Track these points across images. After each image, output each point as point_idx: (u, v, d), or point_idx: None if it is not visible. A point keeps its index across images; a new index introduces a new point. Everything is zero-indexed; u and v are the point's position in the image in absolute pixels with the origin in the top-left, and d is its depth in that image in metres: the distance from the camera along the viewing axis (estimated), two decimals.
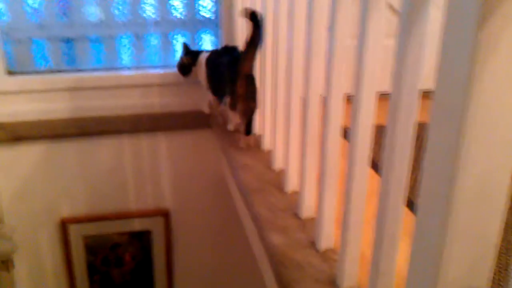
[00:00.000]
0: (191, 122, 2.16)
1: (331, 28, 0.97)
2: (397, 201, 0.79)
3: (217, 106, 2.03)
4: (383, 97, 0.89)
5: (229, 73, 1.81)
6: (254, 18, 1.57)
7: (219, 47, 2.10)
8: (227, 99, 1.84)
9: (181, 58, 2.03)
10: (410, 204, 1.21)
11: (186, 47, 2.03)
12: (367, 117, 0.88)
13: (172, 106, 2.16)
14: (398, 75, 0.71)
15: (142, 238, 2.37)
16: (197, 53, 2.03)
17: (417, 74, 0.70)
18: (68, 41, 2.09)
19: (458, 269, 0.60)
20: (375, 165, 1.41)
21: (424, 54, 0.69)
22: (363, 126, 0.89)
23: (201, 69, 2.01)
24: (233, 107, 1.81)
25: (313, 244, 1.17)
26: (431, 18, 0.69)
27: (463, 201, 0.57)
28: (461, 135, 0.54)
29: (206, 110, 2.14)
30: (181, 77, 2.08)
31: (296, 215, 1.30)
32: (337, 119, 1.04)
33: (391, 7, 0.84)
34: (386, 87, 0.87)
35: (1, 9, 1.98)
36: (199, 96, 2.14)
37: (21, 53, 2.08)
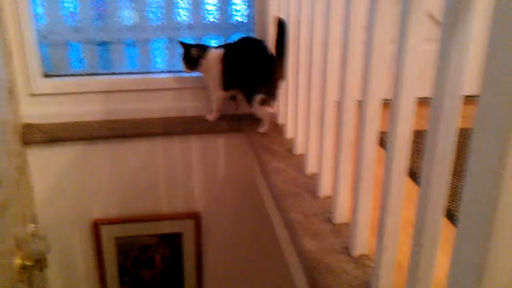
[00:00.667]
0: (223, 125, 2.16)
1: (369, 31, 0.96)
2: (437, 209, 0.77)
3: (222, 102, 2.08)
4: (419, 102, 0.88)
5: (263, 73, 1.84)
6: (281, 26, 1.70)
7: (233, 40, 2.07)
8: (258, 97, 1.86)
9: (190, 50, 2.01)
10: (449, 214, 1.19)
11: (183, 44, 2.02)
12: (406, 123, 0.86)
13: (205, 109, 2.17)
14: (440, 80, 0.70)
15: (172, 240, 2.39)
16: (204, 47, 2.02)
17: (460, 79, 0.68)
18: (103, 44, 2.12)
19: (502, 279, 0.59)
20: (411, 172, 1.39)
21: (467, 59, 0.67)
22: (401, 132, 0.87)
23: (212, 67, 2.00)
24: (265, 103, 1.85)
25: (347, 250, 1.16)
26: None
27: (509, 209, 0.56)
28: (508, 141, 0.53)
29: (211, 117, 2.14)
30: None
31: (330, 220, 1.29)
32: (373, 124, 1.03)
33: (430, 15, 0.83)
34: (422, 92, 0.86)
35: (39, 12, 2.02)
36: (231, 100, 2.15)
37: (57, 55, 2.11)
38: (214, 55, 1.99)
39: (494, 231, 0.57)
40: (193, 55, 2.00)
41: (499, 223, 0.56)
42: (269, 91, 1.87)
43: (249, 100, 1.92)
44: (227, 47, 2.01)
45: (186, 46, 2.01)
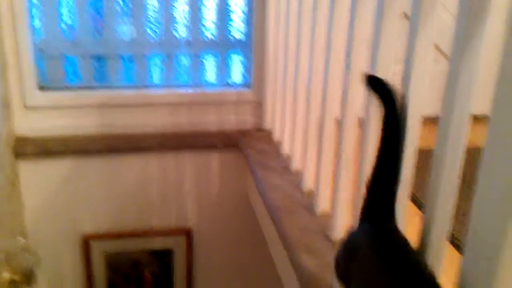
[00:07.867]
0: (218, 141, 2.16)
1: (374, 50, 0.97)
2: (441, 236, 0.78)
3: None
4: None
5: None
6: (378, 87, 0.84)
7: None
8: None
9: None
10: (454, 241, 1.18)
11: None
12: (413, 141, 0.87)
13: (200, 125, 2.17)
14: (448, 99, 0.70)
15: (163, 257, 2.36)
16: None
17: (469, 98, 0.69)
18: (100, 58, 2.12)
19: None
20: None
21: (476, 78, 0.68)
22: (409, 151, 0.88)
23: None
24: None
25: None
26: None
27: None
28: None
29: None
30: (209, 97, 2.11)
31: (328, 237, 1.28)
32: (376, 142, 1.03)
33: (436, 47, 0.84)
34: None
35: (37, 25, 2.02)
36: (227, 116, 2.15)
37: (53, 69, 2.10)
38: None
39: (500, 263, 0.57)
40: None
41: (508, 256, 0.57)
42: None
43: None
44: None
45: None
